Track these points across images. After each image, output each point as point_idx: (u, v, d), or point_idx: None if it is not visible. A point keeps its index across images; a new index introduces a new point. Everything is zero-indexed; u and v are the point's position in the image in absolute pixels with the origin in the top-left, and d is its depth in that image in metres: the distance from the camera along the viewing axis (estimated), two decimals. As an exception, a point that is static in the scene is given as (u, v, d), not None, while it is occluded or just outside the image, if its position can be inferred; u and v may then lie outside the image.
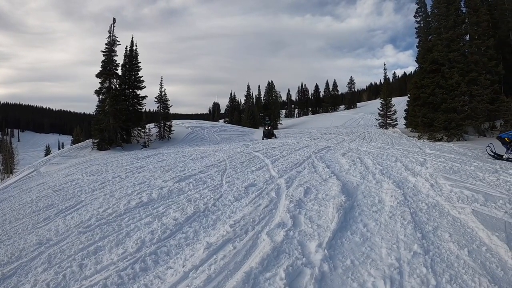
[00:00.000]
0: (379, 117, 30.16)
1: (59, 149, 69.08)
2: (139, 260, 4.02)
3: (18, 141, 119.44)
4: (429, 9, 25.01)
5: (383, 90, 33.73)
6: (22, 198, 9.09)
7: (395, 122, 28.86)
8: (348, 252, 3.81)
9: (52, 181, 10.78)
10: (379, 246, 3.94)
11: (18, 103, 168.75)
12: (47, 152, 71.27)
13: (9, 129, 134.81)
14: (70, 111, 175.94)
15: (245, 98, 72.68)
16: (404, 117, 24.26)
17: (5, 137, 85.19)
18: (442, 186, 6.20)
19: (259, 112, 65.15)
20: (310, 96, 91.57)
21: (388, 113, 29.46)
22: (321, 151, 9.50)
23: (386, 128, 27.88)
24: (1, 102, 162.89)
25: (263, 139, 24.63)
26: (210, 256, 3.89)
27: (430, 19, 24.22)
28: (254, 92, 74.76)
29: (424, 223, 4.59)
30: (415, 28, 27.04)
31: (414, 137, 18.52)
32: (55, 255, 4.48)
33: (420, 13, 26.94)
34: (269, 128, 26.64)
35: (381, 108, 30.13)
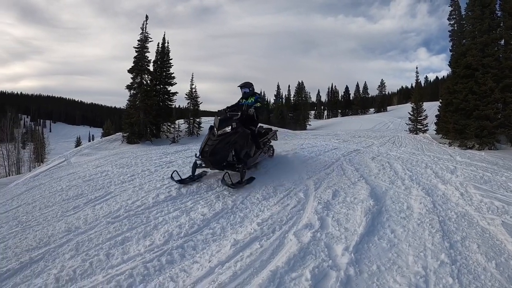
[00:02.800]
0: (410, 122, 29.41)
1: (89, 141, 70.96)
2: (165, 252, 4.11)
3: (50, 131, 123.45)
4: (463, 12, 24.31)
5: (414, 94, 32.66)
6: (53, 187, 9.28)
7: (426, 128, 28.08)
8: (374, 257, 3.80)
9: (82, 171, 11.01)
10: (406, 253, 3.91)
11: (50, 95, 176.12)
12: (78, 143, 73.29)
13: (41, 120, 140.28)
14: (101, 105, 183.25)
15: (274, 98, 72.69)
16: (435, 123, 23.43)
17: (37, 127, 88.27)
18: (472, 196, 6.07)
19: (288, 112, 64.80)
20: (340, 98, 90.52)
21: (419, 118, 28.68)
22: (350, 154, 9.39)
23: (416, 133, 27.19)
24: (34, 94, 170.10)
25: (197, 166, 7.39)
26: (236, 253, 3.95)
27: (464, 22, 23.54)
28: (284, 92, 74.49)
29: (453, 232, 4.52)
30: (449, 31, 26.06)
31: (445, 143, 18.10)
32: (83, 243, 4.60)
33: (454, 16, 26.03)
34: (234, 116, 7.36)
35: (412, 113, 29.46)
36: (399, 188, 6.29)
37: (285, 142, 14.60)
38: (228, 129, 6.90)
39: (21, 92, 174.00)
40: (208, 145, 6.82)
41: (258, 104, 8.01)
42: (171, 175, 7.21)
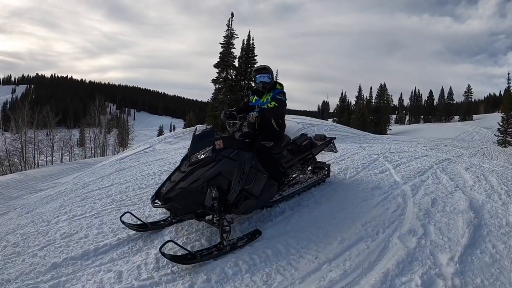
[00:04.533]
0: (498, 133, 27.36)
1: (170, 131, 74.85)
2: (270, 244, 4.30)
3: (134, 120, 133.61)
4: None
5: (504, 103, 30.47)
6: (144, 170, 9.91)
7: (516, 140, 26.01)
8: (477, 271, 3.76)
9: (171, 158, 11.70)
10: (508, 270, 3.82)
11: (136, 86, 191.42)
12: (160, 132, 77.59)
13: (126, 109, 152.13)
14: (183, 97, 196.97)
15: (355, 99, 70.84)
16: (526, 136, 21.57)
17: (122, 115, 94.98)
18: None
19: (369, 115, 63.08)
20: (423, 103, 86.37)
21: (509, 130, 26.65)
22: (442, 163, 8.98)
23: (505, 146, 25.28)
24: (121, 84, 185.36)
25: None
26: (343, 251, 4.06)
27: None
28: (365, 94, 72.14)
29: (554, 255, 4.34)
30: (544, 34, 23.98)
31: (537, 160, 16.85)
32: (182, 226, 4.93)
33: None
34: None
35: (501, 123, 27.37)
36: (496, 203, 6.02)
37: (372, 145, 14.37)
38: (207, 152, 4.34)
39: (108, 82, 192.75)
40: (170, 181, 4.27)
41: (272, 105, 5.37)
42: (120, 217, 5.03)
